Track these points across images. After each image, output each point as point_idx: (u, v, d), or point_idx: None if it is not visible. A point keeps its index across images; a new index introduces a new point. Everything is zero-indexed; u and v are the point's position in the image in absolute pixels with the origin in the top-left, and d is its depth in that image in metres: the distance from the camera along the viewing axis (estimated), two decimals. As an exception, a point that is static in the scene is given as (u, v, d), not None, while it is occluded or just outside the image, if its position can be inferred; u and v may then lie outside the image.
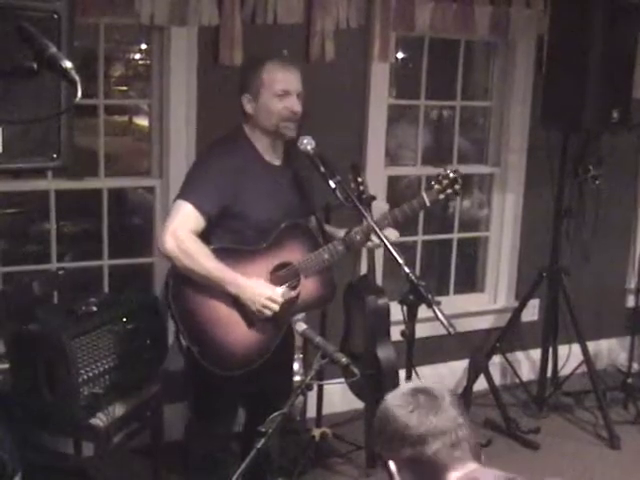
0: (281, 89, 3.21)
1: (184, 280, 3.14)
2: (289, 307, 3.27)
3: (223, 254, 3.15)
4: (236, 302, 3.18)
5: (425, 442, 1.86)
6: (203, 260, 3.09)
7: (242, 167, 3.22)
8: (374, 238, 3.30)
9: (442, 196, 3.41)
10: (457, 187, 3.43)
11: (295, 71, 3.28)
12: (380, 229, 3.16)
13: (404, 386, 2.01)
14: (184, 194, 3.16)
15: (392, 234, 3.35)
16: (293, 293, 3.28)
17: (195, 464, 3.53)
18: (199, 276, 3.10)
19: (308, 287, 3.32)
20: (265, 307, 3.16)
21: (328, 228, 3.54)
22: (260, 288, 3.17)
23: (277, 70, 3.23)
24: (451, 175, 3.41)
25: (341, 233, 3.42)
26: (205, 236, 3.16)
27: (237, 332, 3.21)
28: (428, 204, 3.39)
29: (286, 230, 3.28)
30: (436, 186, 3.40)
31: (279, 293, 3.20)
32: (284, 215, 3.28)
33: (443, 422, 1.87)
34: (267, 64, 3.23)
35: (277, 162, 3.35)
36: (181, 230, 3.09)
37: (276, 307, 3.18)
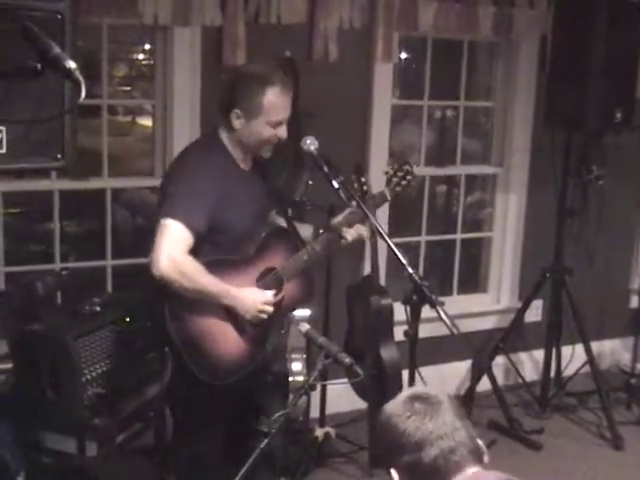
0: (277, 120, 3.14)
1: (179, 300, 3.07)
2: (276, 310, 3.26)
3: (212, 267, 3.09)
4: (227, 313, 3.15)
5: (422, 448, 1.86)
6: (199, 278, 3.04)
7: (221, 176, 3.16)
8: (347, 235, 3.37)
9: (399, 188, 3.53)
10: (410, 178, 3.53)
11: (290, 95, 3.20)
12: (349, 225, 3.35)
13: (402, 394, 2.01)
14: (172, 213, 3.03)
15: (362, 230, 3.43)
16: (278, 297, 3.28)
17: (183, 466, 3.54)
18: (195, 293, 3.05)
19: (291, 289, 3.33)
20: (261, 312, 3.16)
21: (297, 225, 3.55)
22: (254, 295, 3.18)
23: (278, 99, 3.12)
24: (404, 167, 3.53)
25: (307, 228, 3.48)
26: (192, 252, 3.10)
27: (230, 340, 3.19)
28: (389, 198, 3.53)
29: (268, 237, 3.30)
30: (394, 179, 3.51)
31: (270, 296, 3.22)
32: (258, 219, 3.30)
33: (439, 427, 1.88)
34: (269, 89, 3.10)
35: (248, 168, 3.31)
36: (176, 252, 3.00)
37: (270, 310, 3.19)
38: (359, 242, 3.54)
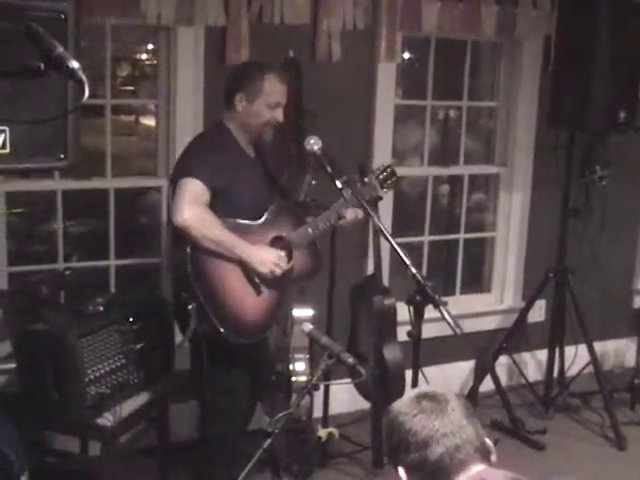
0: (276, 102, 3.50)
1: (200, 255, 3.32)
2: (287, 275, 3.52)
3: (229, 227, 3.38)
4: (245, 273, 3.42)
5: (428, 446, 1.87)
6: (217, 229, 3.33)
7: (231, 159, 3.49)
8: (346, 215, 3.66)
9: (385, 187, 3.82)
10: (395, 179, 3.85)
11: (286, 85, 3.56)
12: (345, 208, 3.61)
13: (410, 392, 2.03)
14: (189, 173, 3.35)
15: (358, 213, 3.70)
16: (292, 262, 3.54)
17: (207, 464, 3.60)
18: (214, 243, 3.31)
19: (300, 259, 3.62)
20: (276, 265, 3.43)
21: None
22: (268, 250, 3.47)
23: (276, 83, 3.50)
24: (388, 169, 3.82)
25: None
26: None
27: (249, 301, 3.45)
28: (380, 194, 3.80)
29: (276, 209, 3.59)
30: (381, 176, 3.80)
31: (283, 254, 3.51)
32: (263, 202, 3.56)
33: (445, 425, 1.88)
34: (269, 75, 3.48)
35: (252, 154, 3.63)
36: (196, 202, 3.31)
37: (284, 264, 3.48)
38: (356, 222, 3.78)
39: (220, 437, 3.57)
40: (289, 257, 3.54)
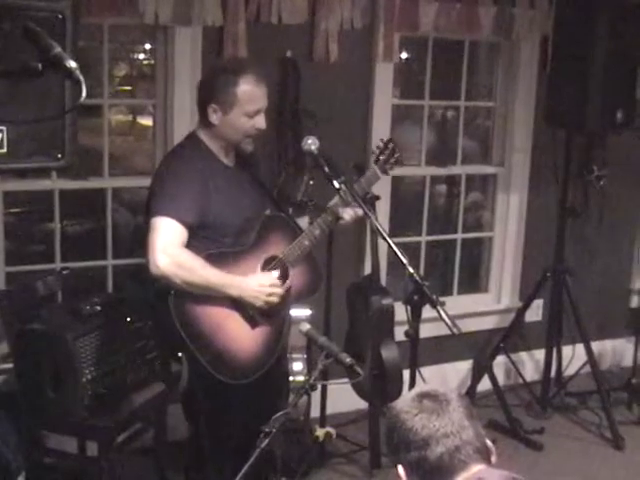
0: (254, 110, 3.16)
1: (184, 299, 3.06)
2: (285, 299, 3.27)
3: (212, 260, 3.09)
4: (236, 307, 3.15)
5: (428, 445, 1.87)
6: (200, 270, 3.04)
7: (207, 174, 3.18)
8: (345, 215, 3.41)
9: (389, 166, 3.58)
10: (397, 155, 3.57)
11: (265, 86, 3.21)
12: (346, 205, 3.35)
13: (412, 391, 2.03)
14: (162, 210, 3.05)
15: (357, 210, 3.41)
16: (286, 285, 3.27)
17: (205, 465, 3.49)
18: (198, 287, 3.05)
19: (298, 276, 3.33)
20: (271, 295, 3.17)
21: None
22: (260, 280, 3.18)
23: (251, 88, 3.14)
24: (390, 145, 3.57)
25: (305, 220, 3.51)
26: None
27: (244, 337, 3.18)
28: (380, 175, 3.55)
29: (265, 224, 3.29)
30: (381, 157, 3.54)
31: (276, 277, 3.23)
32: (252, 213, 3.29)
33: (446, 425, 1.88)
34: (241, 80, 3.13)
35: (232, 164, 3.32)
36: (171, 246, 3.01)
37: (280, 291, 3.20)
38: (357, 221, 3.56)
39: (218, 469, 3.33)
40: (284, 277, 3.27)
